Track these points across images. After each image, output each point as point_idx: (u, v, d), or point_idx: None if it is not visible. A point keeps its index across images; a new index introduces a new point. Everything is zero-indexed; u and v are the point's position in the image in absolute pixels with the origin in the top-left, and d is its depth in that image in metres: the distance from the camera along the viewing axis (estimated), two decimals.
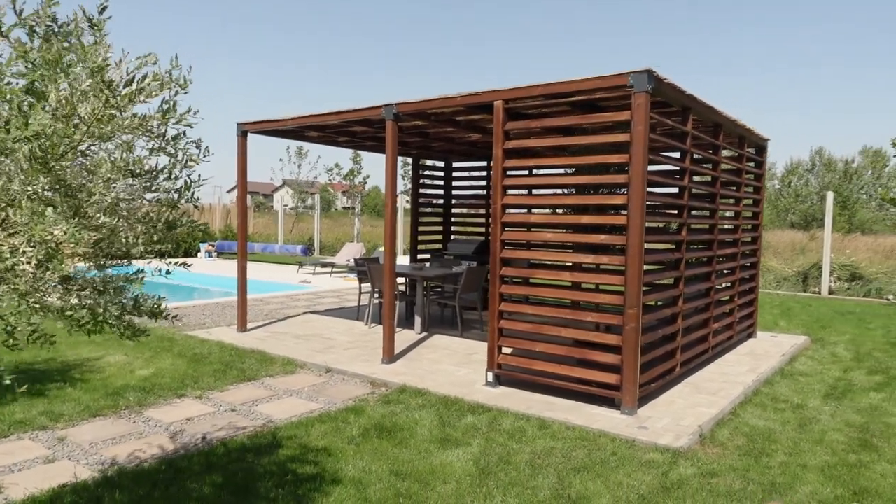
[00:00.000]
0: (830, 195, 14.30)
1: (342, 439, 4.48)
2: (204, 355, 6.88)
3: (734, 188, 7.50)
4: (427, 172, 11.19)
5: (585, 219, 5.36)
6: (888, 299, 13.01)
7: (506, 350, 5.98)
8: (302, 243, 23.23)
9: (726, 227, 7.39)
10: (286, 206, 28.25)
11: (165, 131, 2.23)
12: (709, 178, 6.75)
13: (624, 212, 5.30)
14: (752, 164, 8.18)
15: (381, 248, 17.23)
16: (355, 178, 22.00)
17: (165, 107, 2.25)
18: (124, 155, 2.14)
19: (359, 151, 21.75)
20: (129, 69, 2.22)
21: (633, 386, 5.09)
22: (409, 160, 11.66)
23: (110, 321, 2.27)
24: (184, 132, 2.26)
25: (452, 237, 11.39)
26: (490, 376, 5.89)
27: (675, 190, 5.97)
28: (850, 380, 6.52)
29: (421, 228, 11.09)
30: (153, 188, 2.25)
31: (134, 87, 2.03)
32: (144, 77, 2.11)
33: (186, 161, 2.30)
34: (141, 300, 2.36)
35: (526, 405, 5.33)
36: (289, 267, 18.35)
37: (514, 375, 5.85)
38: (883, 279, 14.22)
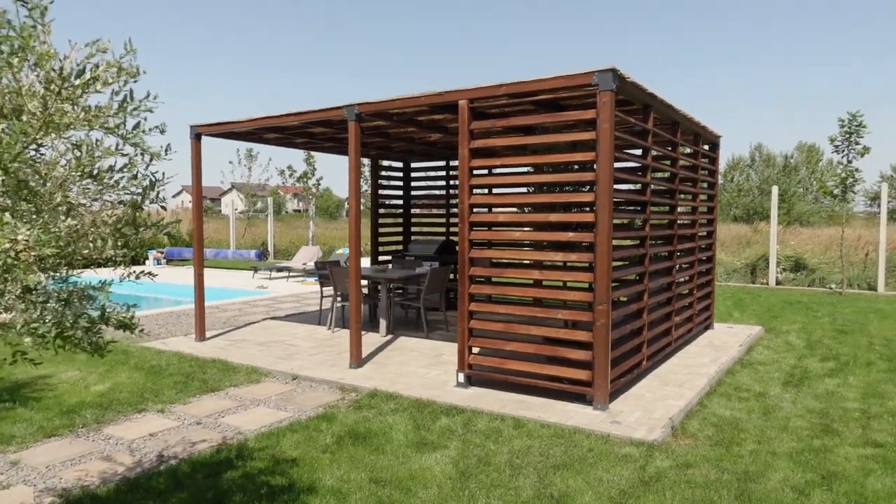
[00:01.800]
0: (775, 189, 14.85)
1: (316, 448, 4.36)
2: (162, 367, 6.62)
3: (691, 184, 7.67)
4: (386, 173, 11.08)
5: (553, 217, 5.38)
6: (831, 288, 13.59)
7: (475, 350, 5.96)
8: (255, 248, 22.72)
9: (685, 221, 7.56)
10: (237, 210, 27.60)
11: (124, 122, 2.09)
12: (668, 174, 6.88)
13: (590, 209, 5.34)
14: (706, 160, 8.39)
15: (339, 251, 16.99)
16: (309, 181, 21.65)
17: (121, 96, 2.11)
18: (79, 154, 2.00)
19: (312, 152, 21.41)
20: (79, 58, 2.07)
21: (604, 381, 5.14)
22: (367, 161, 11.51)
23: (77, 336, 2.12)
24: (144, 119, 2.12)
25: (413, 238, 11.32)
26: (461, 377, 5.85)
27: (638, 187, 6.06)
28: (805, 367, 6.75)
29: (381, 230, 10.98)
30: (120, 188, 2.11)
31: (88, 76, 1.89)
32: (97, 66, 1.97)
33: (151, 156, 2.16)
34: (109, 311, 2.22)
35: (499, 405, 5.31)
36: (243, 272, 17.90)
37: (486, 375, 5.83)
38: (825, 269, 14.86)
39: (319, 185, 22.17)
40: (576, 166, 5.67)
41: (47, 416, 4.99)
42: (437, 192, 11.05)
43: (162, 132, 2.23)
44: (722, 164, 48.95)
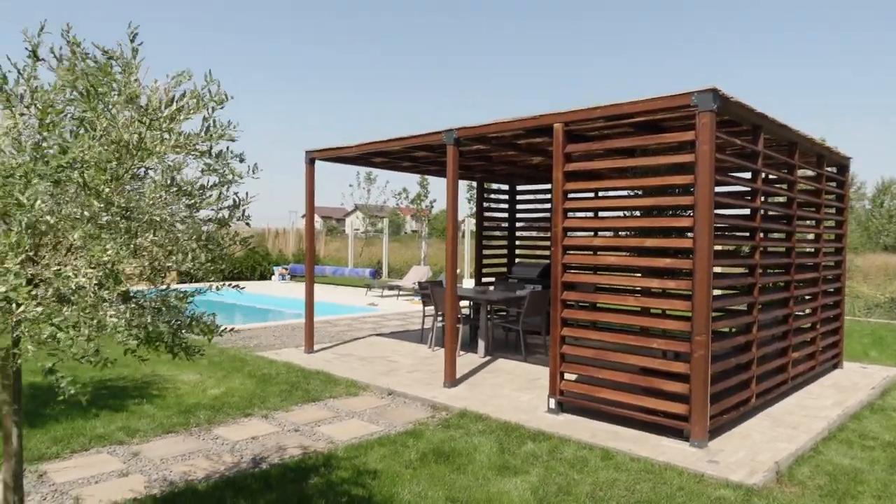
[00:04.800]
0: None
1: (399, 463, 4.48)
2: (272, 376, 7.08)
3: (813, 209, 7.10)
4: (491, 196, 11.21)
5: (649, 242, 5.20)
6: None
7: (569, 376, 5.84)
8: (371, 266, 23.67)
9: (806, 250, 6.99)
10: (357, 230, 28.95)
11: (210, 148, 2.33)
12: (784, 199, 6.42)
13: (690, 234, 5.10)
14: (833, 183, 7.73)
15: None
16: (422, 203, 22.29)
17: (207, 123, 2.36)
18: (169, 175, 2.25)
19: (426, 176, 22.06)
20: (168, 87, 2.34)
21: (702, 417, 4.85)
22: (475, 183, 11.69)
23: (164, 339, 2.37)
24: (227, 148, 2.35)
25: (517, 260, 11.31)
26: (552, 403, 5.75)
27: (747, 212, 5.71)
28: None
29: (485, 252, 11.08)
30: (204, 206, 2.35)
31: (174, 106, 2.14)
32: (183, 95, 2.23)
33: (232, 178, 2.39)
34: (196, 318, 2.46)
35: (589, 434, 5.16)
36: (358, 289, 18.71)
37: (578, 402, 5.69)
38: None
39: (433, 206, 22.77)
40: (677, 190, 5.45)
41: (167, 413, 5.52)
42: (541, 214, 11.00)
43: (241, 160, 2.46)
44: (870, 188, 44.48)
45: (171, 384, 6.56)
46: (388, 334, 10.23)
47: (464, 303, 9.62)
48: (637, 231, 5.64)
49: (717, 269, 10.39)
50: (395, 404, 6.14)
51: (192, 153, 2.34)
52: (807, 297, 7.05)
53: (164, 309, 2.31)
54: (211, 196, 2.34)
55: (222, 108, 2.61)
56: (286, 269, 21.81)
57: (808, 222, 7.10)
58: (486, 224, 11.13)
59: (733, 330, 6.04)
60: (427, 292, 9.05)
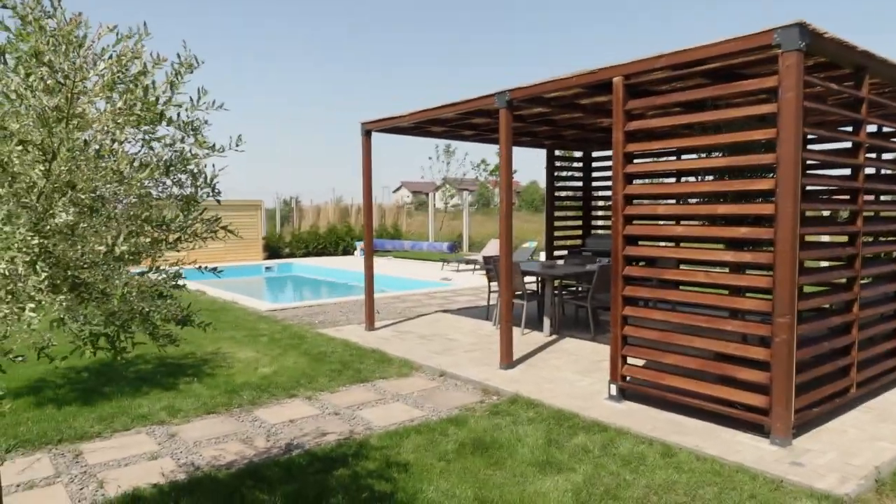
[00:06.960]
0: None
1: (434, 454, 4.14)
2: (327, 354, 6.95)
3: None
4: (563, 164, 10.53)
5: (722, 209, 4.51)
6: None
7: (636, 361, 5.27)
8: (451, 240, 23.44)
9: None
10: (446, 203, 28.77)
11: (160, 117, 2.03)
12: None
13: (773, 199, 4.35)
14: None
15: (525, 245, 16.73)
16: None
17: (150, 89, 2.05)
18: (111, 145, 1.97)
19: None
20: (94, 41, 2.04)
21: (785, 410, 4.17)
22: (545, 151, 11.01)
23: (106, 335, 2.12)
24: (177, 115, 2.04)
25: (593, 232, 10.62)
26: (613, 389, 5.22)
27: (847, 171, 4.85)
28: None
29: (557, 224, 10.47)
30: (134, 183, 2.05)
31: (101, 66, 1.84)
32: (111, 57, 1.92)
33: (192, 152, 2.08)
34: (146, 314, 2.19)
35: (651, 425, 4.61)
36: (435, 264, 18.54)
37: (642, 390, 5.13)
38: None
39: (512, 177, 22.12)
40: (759, 147, 4.69)
41: (213, 393, 5.47)
42: None
43: (194, 129, 2.14)
44: None
45: (227, 362, 6.57)
46: (455, 310, 9.91)
47: (531, 279, 9.12)
48: (709, 196, 4.93)
49: (825, 238, 9.22)
50: (446, 386, 5.82)
51: (131, 123, 2.04)
52: None
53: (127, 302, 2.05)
54: (143, 172, 2.03)
55: (191, 73, 2.31)
56: None
57: None
58: (557, 194, 10.49)
59: (832, 307, 5.24)
60: (490, 267, 8.62)
